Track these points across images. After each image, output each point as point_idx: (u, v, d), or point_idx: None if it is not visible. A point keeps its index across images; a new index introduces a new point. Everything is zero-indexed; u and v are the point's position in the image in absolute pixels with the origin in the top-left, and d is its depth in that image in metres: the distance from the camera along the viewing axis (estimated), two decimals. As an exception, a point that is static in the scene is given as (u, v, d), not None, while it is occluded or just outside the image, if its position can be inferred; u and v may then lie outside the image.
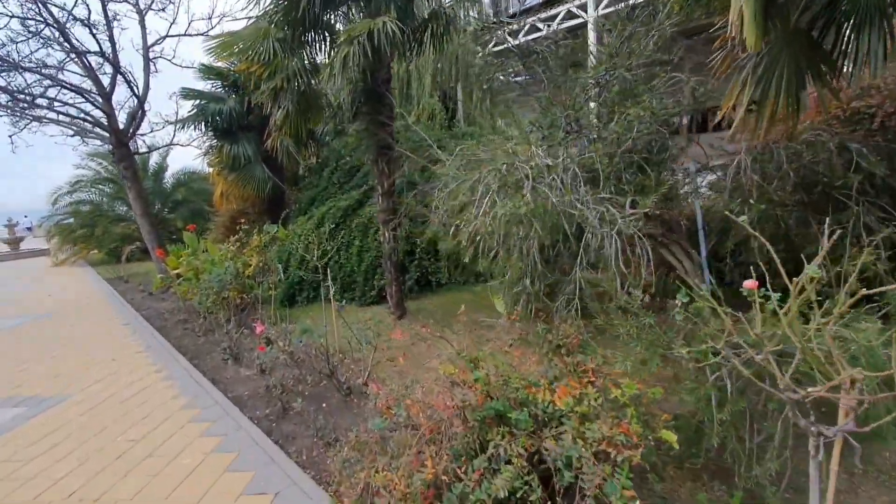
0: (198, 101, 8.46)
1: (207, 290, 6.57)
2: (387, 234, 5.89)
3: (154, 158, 18.92)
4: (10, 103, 8.30)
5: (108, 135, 9.41)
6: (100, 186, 17.65)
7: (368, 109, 5.71)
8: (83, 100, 9.16)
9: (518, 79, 6.78)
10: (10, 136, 10.01)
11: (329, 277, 5.52)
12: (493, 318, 5.52)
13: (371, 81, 5.45)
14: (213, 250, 7.73)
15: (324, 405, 4.10)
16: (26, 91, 8.19)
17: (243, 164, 8.32)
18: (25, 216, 30.13)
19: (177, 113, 10.18)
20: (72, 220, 16.89)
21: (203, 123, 8.71)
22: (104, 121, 9.19)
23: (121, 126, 9.35)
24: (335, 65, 4.77)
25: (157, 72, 9.93)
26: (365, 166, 8.69)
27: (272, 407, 4.10)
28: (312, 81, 5.41)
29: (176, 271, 7.27)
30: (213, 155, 9.23)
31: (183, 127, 8.82)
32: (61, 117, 9.40)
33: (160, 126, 10.13)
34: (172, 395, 4.35)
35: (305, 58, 5.51)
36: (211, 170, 21.30)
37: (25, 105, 8.36)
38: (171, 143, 10.62)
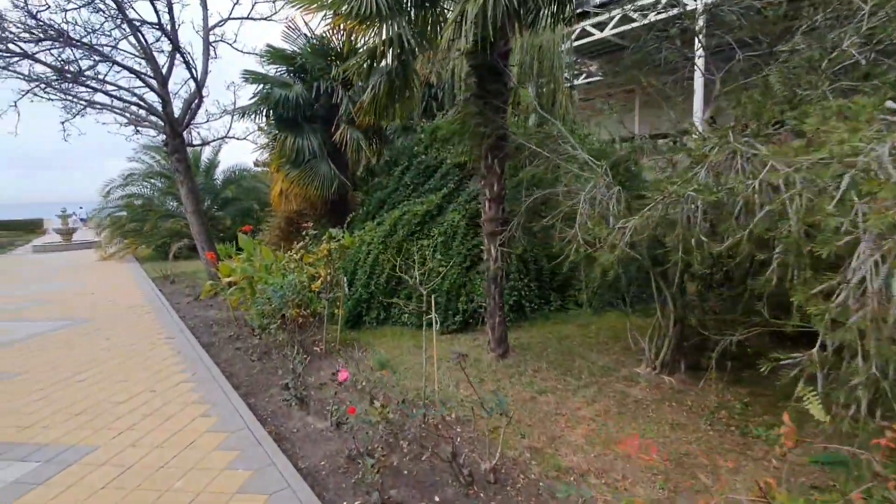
0: (261, 87, 7.53)
1: (264, 306, 5.48)
2: (493, 251, 4.61)
3: (206, 154, 18.57)
4: (58, 81, 7.58)
5: (162, 123, 8.62)
6: (151, 181, 17.34)
7: (480, 91, 4.47)
8: (137, 84, 8.42)
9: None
10: (62, 123, 9.43)
11: (428, 300, 4.25)
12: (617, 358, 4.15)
13: (488, 53, 4.21)
14: (267, 255, 6.69)
15: (436, 499, 2.82)
16: (76, 64, 7.40)
17: (307, 160, 7.31)
18: (80, 208, 30.84)
19: (234, 103, 9.33)
20: (123, 213, 16.60)
21: (265, 112, 7.78)
22: (158, 107, 8.39)
23: (175, 115, 8.55)
24: (447, 32, 3.58)
25: (216, 57, 9.11)
26: (444, 166, 7.48)
27: (363, 497, 2.85)
28: (416, 49, 4.21)
29: (228, 279, 6.25)
30: (272, 149, 8.27)
31: (243, 116, 7.91)
32: (115, 102, 8.70)
33: (217, 116, 9.28)
34: (226, 463, 3.18)
35: (407, 24, 4.33)
36: (260, 168, 20.85)
37: (74, 79, 7.58)
38: (227, 136, 9.81)
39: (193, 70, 7.98)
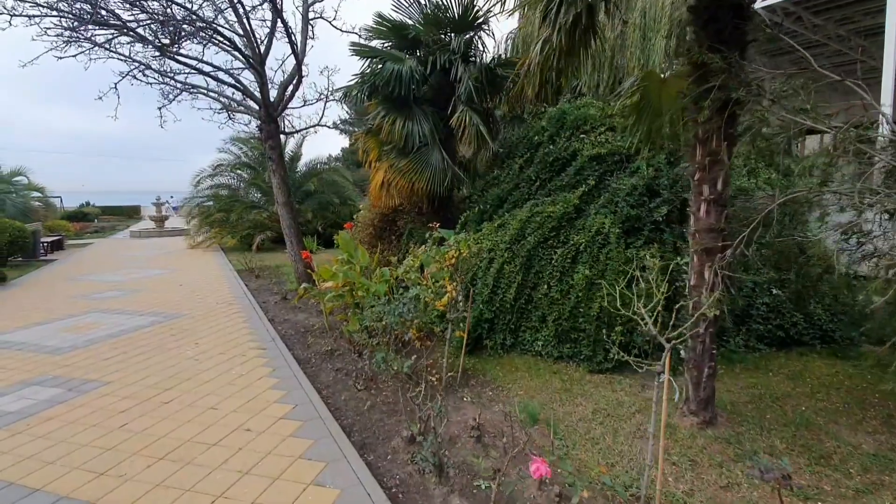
0: (367, 63, 6.60)
1: (374, 322, 4.47)
2: (707, 275, 3.21)
3: (289, 146, 18.49)
4: (159, 58, 7.12)
5: (256, 108, 8.00)
6: (238, 171, 17.46)
7: (707, 38, 3.08)
8: (233, 67, 7.85)
9: None
10: (159, 108, 9.15)
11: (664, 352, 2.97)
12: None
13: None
14: (364, 257, 5.73)
15: None
16: (174, 34, 6.82)
17: (416, 147, 6.29)
18: (171, 196, 32.74)
19: (328, 88, 8.53)
20: (211, 203, 16.81)
21: (368, 93, 6.86)
22: (254, 91, 7.76)
23: (271, 99, 7.89)
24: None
25: (314, 38, 8.35)
26: (579, 159, 6.13)
27: None
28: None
29: (326, 284, 5.34)
30: (370, 135, 7.34)
31: (344, 97, 7.08)
32: (211, 84, 8.23)
33: (313, 101, 8.54)
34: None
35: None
36: (336, 162, 20.43)
37: (176, 47, 7.04)
38: (319, 123, 9.07)
39: (295, 45, 7.21)
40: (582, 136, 6.49)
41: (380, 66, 6.40)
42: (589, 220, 5.35)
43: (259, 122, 7.91)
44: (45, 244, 14.43)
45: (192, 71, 7.99)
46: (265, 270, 10.92)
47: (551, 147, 6.46)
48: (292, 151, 17.98)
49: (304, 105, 8.55)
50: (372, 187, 7.00)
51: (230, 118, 9.82)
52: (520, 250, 5.30)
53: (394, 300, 4.31)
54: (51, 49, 7.21)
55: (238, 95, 8.63)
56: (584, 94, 8.31)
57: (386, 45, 7.06)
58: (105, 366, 4.82)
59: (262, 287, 9.07)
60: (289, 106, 7.94)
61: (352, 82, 7.08)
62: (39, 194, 19.16)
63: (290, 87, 7.93)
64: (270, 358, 5.08)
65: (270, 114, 7.78)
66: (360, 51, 6.63)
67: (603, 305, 4.64)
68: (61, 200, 27.75)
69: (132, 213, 35.83)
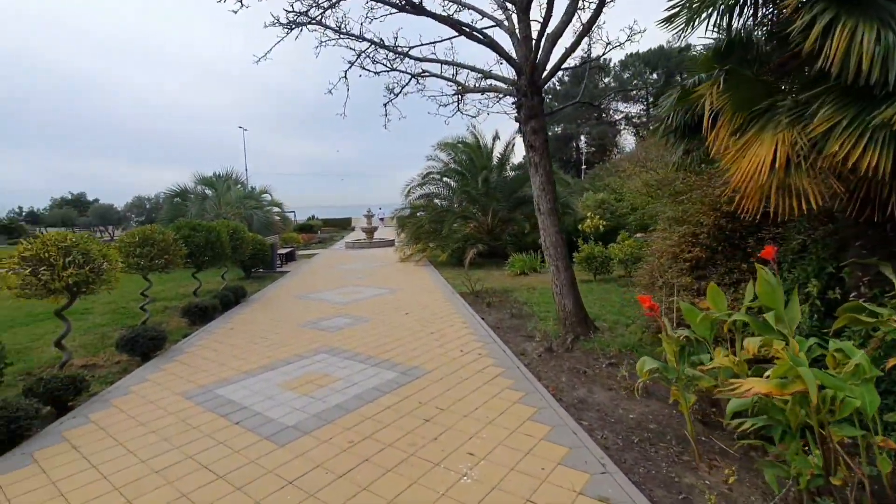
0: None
1: None
2: None
3: (497, 148, 16.62)
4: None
5: (507, 80, 5.71)
6: (446, 179, 16.30)
7: None
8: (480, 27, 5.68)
9: None
10: (384, 105, 7.74)
11: None
12: None
13: None
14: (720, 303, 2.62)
15: None
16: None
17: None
18: (380, 208, 35.15)
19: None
20: (420, 213, 15.97)
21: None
22: (511, 50, 5.45)
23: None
24: None
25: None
26: None
27: None
28: None
29: (750, 388, 2.41)
30: (720, 89, 4.20)
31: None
32: (444, 70, 6.30)
33: (607, 49, 5.84)
34: None
35: None
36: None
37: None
38: (621, 89, 6.35)
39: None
40: None
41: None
42: None
43: (516, 96, 5.56)
44: (281, 256, 15.27)
45: (428, 43, 6.13)
46: (492, 296, 8.75)
47: None
48: (500, 154, 16.04)
49: (583, 63, 5.80)
50: (742, 173, 3.84)
51: (458, 108, 7.91)
52: None
53: None
54: (279, 33, 6.12)
55: (473, 79, 6.54)
56: None
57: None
58: (337, 485, 2.79)
59: (503, 323, 6.75)
60: (561, 68, 5.42)
61: None
62: (278, 209, 21.37)
63: (565, 49, 5.39)
64: (597, 484, 2.37)
65: (535, 81, 5.36)
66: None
67: None
68: (294, 215, 31.86)
69: (346, 224, 40.11)
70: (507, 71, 6.12)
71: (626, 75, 48.65)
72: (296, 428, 3.59)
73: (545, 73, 5.52)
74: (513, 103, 5.71)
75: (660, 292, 5.16)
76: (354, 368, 4.92)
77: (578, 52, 5.96)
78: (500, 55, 5.48)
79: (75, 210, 48.35)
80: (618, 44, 5.58)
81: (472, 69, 5.96)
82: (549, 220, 5.55)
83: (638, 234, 11.25)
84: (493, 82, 6.29)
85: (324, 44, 6.35)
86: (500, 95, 6.51)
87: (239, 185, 20.17)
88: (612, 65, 46.67)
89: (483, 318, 7.03)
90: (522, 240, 13.94)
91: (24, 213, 50.91)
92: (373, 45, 6.46)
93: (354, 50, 6.85)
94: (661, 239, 5.51)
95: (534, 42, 5.34)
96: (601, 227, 12.56)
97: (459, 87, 6.72)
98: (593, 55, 5.55)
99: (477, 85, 6.57)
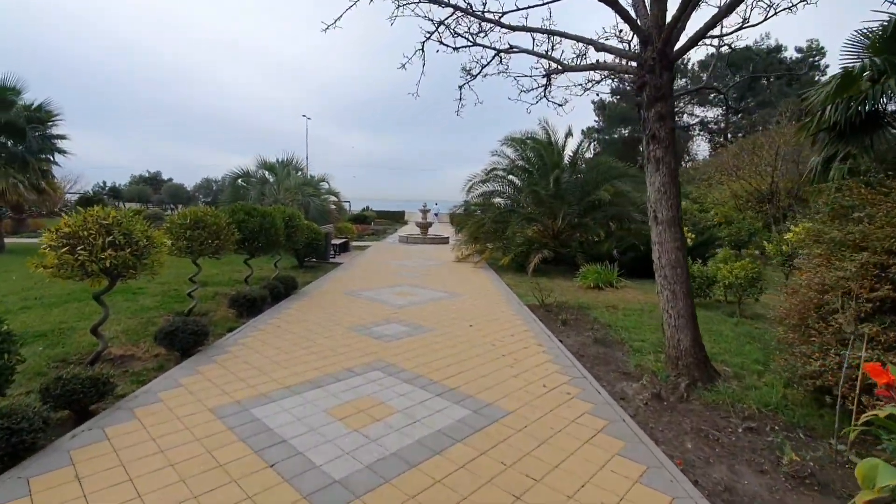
0: None
1: None
2: None
3: (570, 146, 15.26)
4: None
5: (632, 51, 4.57)
6: (511, 177, 15.17)
7: None
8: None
9: None
10: (458, 87, 6.80)
11: None
12: None
13: None
14: None
15: None
16: None
17: None
18: (435, 204, 34.56)
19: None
20: (479, 212, 14.98)
21: None
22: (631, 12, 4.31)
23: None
24: None
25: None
26: None
27: None
28: None
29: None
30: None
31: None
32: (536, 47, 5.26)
33: (770, 12, 4.58)
34: None
35: None
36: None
37: None
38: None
39: None
40: None
41: None
42: None
43: (636, 74, 4.42)
44: (335, 246, 14.81)
45: (523, 7, 5.10)
46: (566, 312, 7.59)
47: None
48: (572, 153, 14.68)
49: (739, 29, 4.47)
50: None
51: (545, 94, 6.81)
52: None
53: None
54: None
55: (572, 55, 5.43)
56: None
57: None
58: None
59: (586, 350, 5.64)
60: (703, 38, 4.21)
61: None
62: (335, 198, 21.09)
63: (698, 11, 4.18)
64: None
65: (667, 54, 4.20)
66: None
67: None
68: (350, 205, 31.81)
69: (399, 217, 39.96)
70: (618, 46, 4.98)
71: (703, 76, 45.04)
72: (343, 486, 2.73)
73: (677, 46, 4.34)
74: (630, 82, 4.58)
75: (820, 339, 3.89)
76: (415, 397, 4.03)
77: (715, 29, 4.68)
78: (622, 17, 4.35)
79: (150, 187, 51.38)
80: (790, 4, 4.28)
81: (581, 39, 4.85)
82: (668, 232, 4.38)
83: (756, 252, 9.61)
84: (604, 57, 5.16)
85: (401, 8, 5.48)
86: (606, 75, 5.38)
87: (299, 172, 20.06)
88: (689, 65, 43.31)
89: (561, 341, 5.95)
90: (594, 248, 12.61)
91: (106, 188, 54.63)
92: (457, 12, 5.53)
93: (433, 21, 5.98)
94: (820, 266, 4.20)
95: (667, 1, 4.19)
96: (689, 240, 11.01)
97: (557, 66, 5.63)
98: (749, 23, 4.28)
99: (578, 62, 5.46)
